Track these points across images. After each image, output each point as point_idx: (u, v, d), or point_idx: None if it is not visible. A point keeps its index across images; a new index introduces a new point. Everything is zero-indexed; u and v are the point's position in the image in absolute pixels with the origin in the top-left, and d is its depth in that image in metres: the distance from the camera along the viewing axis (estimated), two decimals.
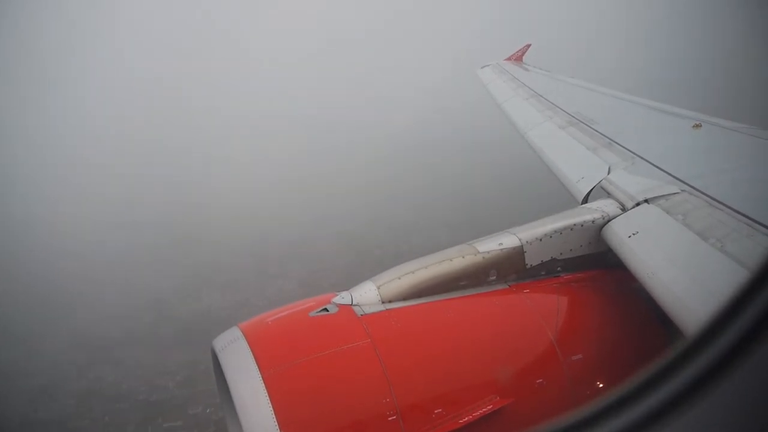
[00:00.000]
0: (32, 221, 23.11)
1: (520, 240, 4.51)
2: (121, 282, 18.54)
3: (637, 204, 4.77)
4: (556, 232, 4.60)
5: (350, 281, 4.30)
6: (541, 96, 9.82)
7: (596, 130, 7.28)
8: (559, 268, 4.64)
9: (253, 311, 4.17)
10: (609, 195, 5.27)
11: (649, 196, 4.78)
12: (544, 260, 4.58)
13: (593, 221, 4.70)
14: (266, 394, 3.51)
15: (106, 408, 13.23)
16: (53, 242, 21.16)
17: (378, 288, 4.15)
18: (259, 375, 3.58)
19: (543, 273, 4.59)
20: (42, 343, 15.50)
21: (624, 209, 4.81)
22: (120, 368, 14.31)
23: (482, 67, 13.64)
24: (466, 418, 3.68)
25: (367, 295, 4.12)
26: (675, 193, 4.69)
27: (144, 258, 20.07)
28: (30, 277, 19.21)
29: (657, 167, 5.46)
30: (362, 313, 3.99)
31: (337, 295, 4.17)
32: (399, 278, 4.21)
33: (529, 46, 14.31)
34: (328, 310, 4.02)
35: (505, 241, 4.51)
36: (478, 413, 3.71)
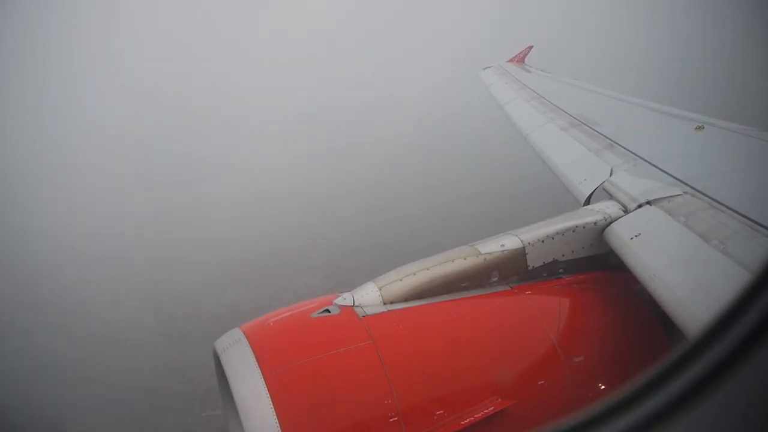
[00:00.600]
0: (47, 221, 23.19)
1: (522, 241, 4.52)
2: (146, 279, 18.66)
3: (639, 206, 4.77)
4: (558, 233, 4.60)
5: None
6: (543, 98, 9.81)
7: (598, 132, 7.27)
8: (561, 270, 4.64)
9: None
10: (611, 197, 5.27)
11: (651, 197, 4.78)
12: (546, 262, 4.58)
13: (595, 223, 4.70)
14: (268, 395, 3.52)
15: (143, 398, 13.33)
16: (75, 242, 21.25)
17: (380, 289, 4.16)
18: (261, 376, 3.58)
19: (545, 274, 4.59)
20: (69, 341, 15.62)
21: (626, 211, 4.80)
22: (152, 361, 14.43)
23: (484, 69, 13.66)
24: (468, 420, 3.69)
25: (368, 297, 4.13)
26: (677, 195, 4.69)
27: (166, 255, 20.18)
28: (52, 277, 19.29)
29: (659, 169, 5.46)
30: (364, 314, 4.00)
31: (338, 296, 4.18)
32: (401, 279, 4.22)
33: (531, 48, 14.31)
34: (329, 312, 4.03)
35: (507, 242, 4.51)
36: (479, 415, 3.71)
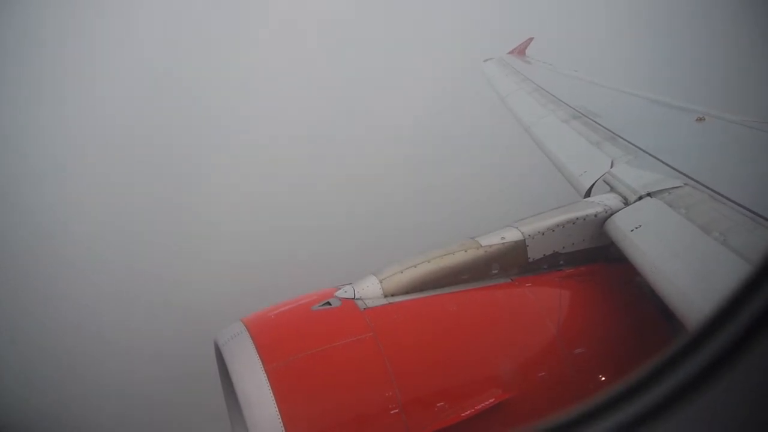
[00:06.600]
0: (47, 219, 23.15)
1: (522, 234, 4.52)
2: (146, 277, 18.75)
3: (640, 198, 4.76)
4: (558, 225, 4.59)
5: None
6: (544, 90, 9.78)
7: (600, 124, 7.25)
8: (561, 262, 4.64)
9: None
10: (612, 189, 5.26)
11: (651, 189, 4.77)
12: (546, 254, 4.58)
13: (596, 215, 4.69)
14: (269, 387, 3.54)
15: (145, 397, 13.44)
16: (74, 241, 21.21)
17: (380, 282, 4.16)
18: (262, 369, 3.60)
19: (545, 267, 4.59)
20: (95, 341, 15.69)
21: (627, 203, 4.79)
22: (154, 360, 14.56)
23: (485, 61, 13.61)
24: (468, 412, 3.70)
25: (369, 289, 4.13)
26: (678, 187, 4.68)
27: (184, 254, 20.31)
28: (81, 279, 19.30)
29: (660, 161, 5.45)
30: (365, 306, 4.01)
31: (339, 288, 4.19)
32: (401, 272, 4.22)
33: (531, 39, 14.25)
34: (330, 304, 4.03)
35: (508, 234, 4.51)
36: (480, 407, 3.73)
